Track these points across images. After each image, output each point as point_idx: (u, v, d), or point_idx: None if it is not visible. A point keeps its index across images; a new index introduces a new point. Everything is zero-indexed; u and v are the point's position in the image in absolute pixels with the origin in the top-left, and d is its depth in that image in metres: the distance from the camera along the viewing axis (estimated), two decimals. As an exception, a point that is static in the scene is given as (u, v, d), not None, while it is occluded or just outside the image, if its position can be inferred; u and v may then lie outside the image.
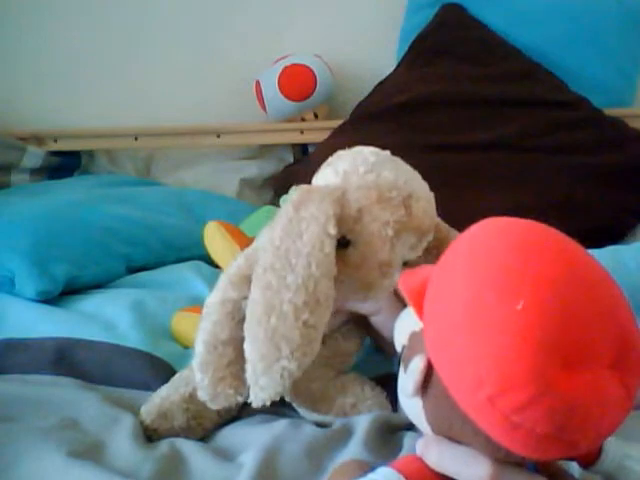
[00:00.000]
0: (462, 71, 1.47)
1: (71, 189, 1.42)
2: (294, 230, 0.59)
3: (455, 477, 0.43)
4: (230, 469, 0.62)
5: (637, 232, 1.31)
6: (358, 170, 0.63)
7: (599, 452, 0.46)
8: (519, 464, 0.42)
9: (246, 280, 0.63)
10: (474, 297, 0.39)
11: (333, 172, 0.65)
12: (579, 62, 1.49)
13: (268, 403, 0.59)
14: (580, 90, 1.45)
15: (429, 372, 0.43)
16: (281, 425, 0.67)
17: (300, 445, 0.63)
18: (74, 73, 1.67)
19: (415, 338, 0.46)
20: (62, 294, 1.05)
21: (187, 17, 1.65)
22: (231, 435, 0.69)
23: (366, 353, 0.79)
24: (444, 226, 0.71)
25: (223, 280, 0.66)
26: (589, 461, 0.46)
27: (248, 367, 0.59)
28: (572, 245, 0.42)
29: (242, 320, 0.62)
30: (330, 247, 0.58)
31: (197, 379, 0.65)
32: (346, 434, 0.65)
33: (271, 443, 0.64)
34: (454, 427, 0.42)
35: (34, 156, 1.57)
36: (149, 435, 0.69)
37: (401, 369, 0.47)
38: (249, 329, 0.59)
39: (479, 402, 0.38)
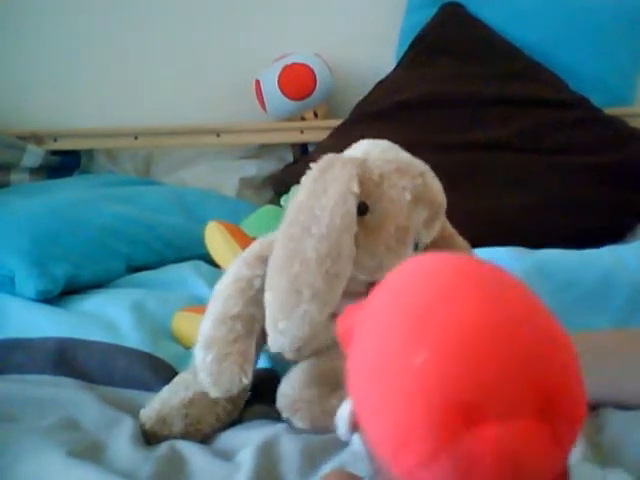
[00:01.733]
0: (462, 70, 1.47)
1: (71, 188, 1.42)
2: (319, 189, 0.62)
3: None
4: (228, 468, 0.62)
5: (637, 232, 1.31)
6: (378, 148, 0.68)
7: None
8: None
9: (260, 260, 0.65)
10: (380, 345, 0.38)
11: (353, 151, 0.69)
12: (579, 61, 1.49)
13: (287, 349, 0.60)
14: (580, 89, 1.45)
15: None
16: (279, 427, 0.68)
17: (297, 445, 0.63)
18: (74, 73, 1.67)
19: None
20: (62, 294, 1.05)
21: (187, 17, 1.65)
22: (230, 438, 0.69)
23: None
24: (449, 225, 0.72)
25: (235, 263, 0.67)
26: None
27: (267, 313, 0.60)
28: (500, 284, 0.39)
29: (253, 297, 0.64)
30: (352, 204, 0.61)
31: (199, 359, 0.64)
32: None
33: (268, 442, 0.64)
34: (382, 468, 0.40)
35: (34, 155, 1.57)
36: (148, 439, 0.69)
37: None
38: (271, 278, 0.61)
39: (383, 456, 0.37)
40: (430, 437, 0.35)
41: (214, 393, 0.65)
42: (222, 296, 0.66)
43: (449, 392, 0.35)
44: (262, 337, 0.67)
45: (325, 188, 0.61)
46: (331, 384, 0.70)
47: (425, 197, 0.65)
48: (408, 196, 0.64)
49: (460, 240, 0.73)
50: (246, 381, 0.64)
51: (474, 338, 0.36)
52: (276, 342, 0.59)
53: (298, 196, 0.63)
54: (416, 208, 0.64)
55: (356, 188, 0.61)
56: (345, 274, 0.60)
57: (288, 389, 0.69)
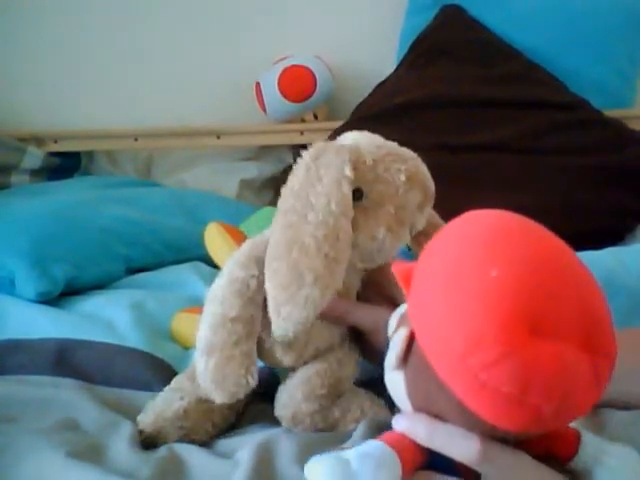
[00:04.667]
0: (462, 72, 1.47)
1: (71, 190, 1.42)
2: (313, 176, 0.62)
3: (443, 452, 0.44)
4: (227, 466, 0.62)
5: (637, 233, 1.31)
6: (365, 137, 0.69)
7: (577, 447, 0.47)
8: (504, 440, 0.44)
9: (253, 260, 0.65)
10: (452, 267, 0.41)
11: (341, 141, 0.69)
12: (578, 63, 1.49)
13: (291, 334, 0.60)
14: (579, 91, 1.45)
15: (411, 343, 0.45)
16: (277, 429, 0.67)
17: (295, 443, 0.63)
18: (74, 73, 1.67)
19: (401, 318, 0.49)
20: (62, 295, 1.05)
21: (187, 18, 1.65)
22: (229, 442, 0.68)
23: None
24: (437, 215, 0.73)
25: (227, 265, 0.66)
26: (568, 455, 0.47)
27: (269, 299, 0.60)
28: (547, 232, 0.44)
29: (251, 298, 0.64)
30: (347, 188, 0.61)
31: (201, 366, 0.63)
32: (342, 436, 0.65)
33: (266, 441, 0.64)
34: (431, 396, 0.44)
35: (34, 157, 1.57)
36: (145, 445, 0.68)
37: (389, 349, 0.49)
38: (270, 265, 0.61)
39: (450, 361, 0.40)
40: (501, 338, 0.38)
41: (220, 399, 0.63)
42: (218, 299, 0.64)
43: (522, 301, 0.39)
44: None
45: (319, 175, 0.62)
46: (333, 394, 0.69)
47: (418, 179, 0.66)
48: (403, 177, 0.65)
49: None
50: (252, 382, 0.63)
51: (537, 261, 0.40)
52: (279, 327, 0.60)
53: (292, 184, 0.63)
54: (411, 190, 0.65)
55: (350, 173, 0.61)
56: (344, 258, 0.61)
57: (288, 400, 0.68)
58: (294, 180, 0.63)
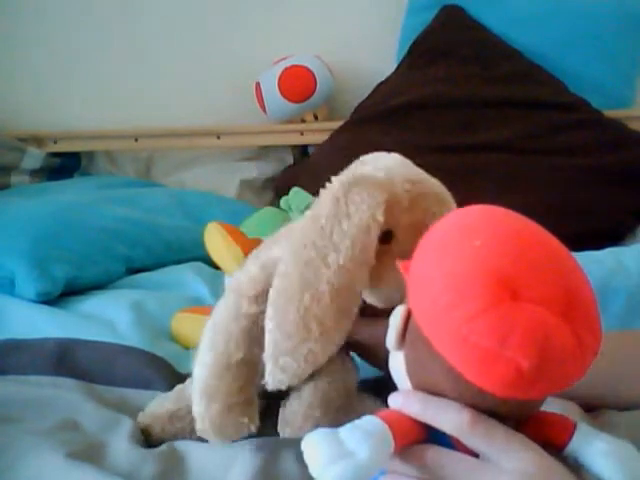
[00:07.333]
0: (462, 73, 1.47)
1: (71, 190, 1.42)
2: (342, 211, 0.57)
3: (435, 425, 0.45)
4: (229, 461, 0.61)
5: (637, 233, 1.31)
6: (398, 166, 0.62)
7: (572, 435, 0.47)
8: (501, 421, 0.45)
9: (264, 295, 0.60)
10: (442, 240, 0.45)
11: (370, 168, 0.62)
12: (579, 64, 1.50)
13: (284, 387, 0.57)
14: (580, 92, 1.45)
15: (408, 320, 0.47)
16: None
17: (299, 439, 0.63)
18: (74, 74, 1.67)
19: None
20: (62, 295, 1.05)
21: (187, 19, 1.66)
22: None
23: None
24: None
25: (233, 294, 0.63)
26: (565, 444, 0.47)
27: (269, 344, 0.56)
28: (535, 223, 0.46)
29: (258, 337, 0.59)
30: (375, 235, 0.56)
31: (200, 408, 0.61)
32: None
33: (269, 438, 0.63)
34: (426, 369, 0.45)
35: (34, 157, 1.57)
36: (145, 445, 0.67)
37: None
38: (277, 304, 0.57)
39: (436, 317, 0.42)
40: (483, 294, 0.40)
41: (216, 441, 0.62)
42: (224, 333, 0.61)
43: (503, 267, 0.41)
44: None
45: (348, 212, 0.56)
46: (334, 407, 0.66)
47: None
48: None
49: None
50: (253, 428, 0.62)
51: (518, 237, 0.44)
52: (275, 377, 0.56)
53: (316, 213, 0.58)
54: None
55: (381, 217, 0.56)
56: (354, 312, 0.57)
57: (291, 416, 0.65)
58: (319, 210, 0.58)
